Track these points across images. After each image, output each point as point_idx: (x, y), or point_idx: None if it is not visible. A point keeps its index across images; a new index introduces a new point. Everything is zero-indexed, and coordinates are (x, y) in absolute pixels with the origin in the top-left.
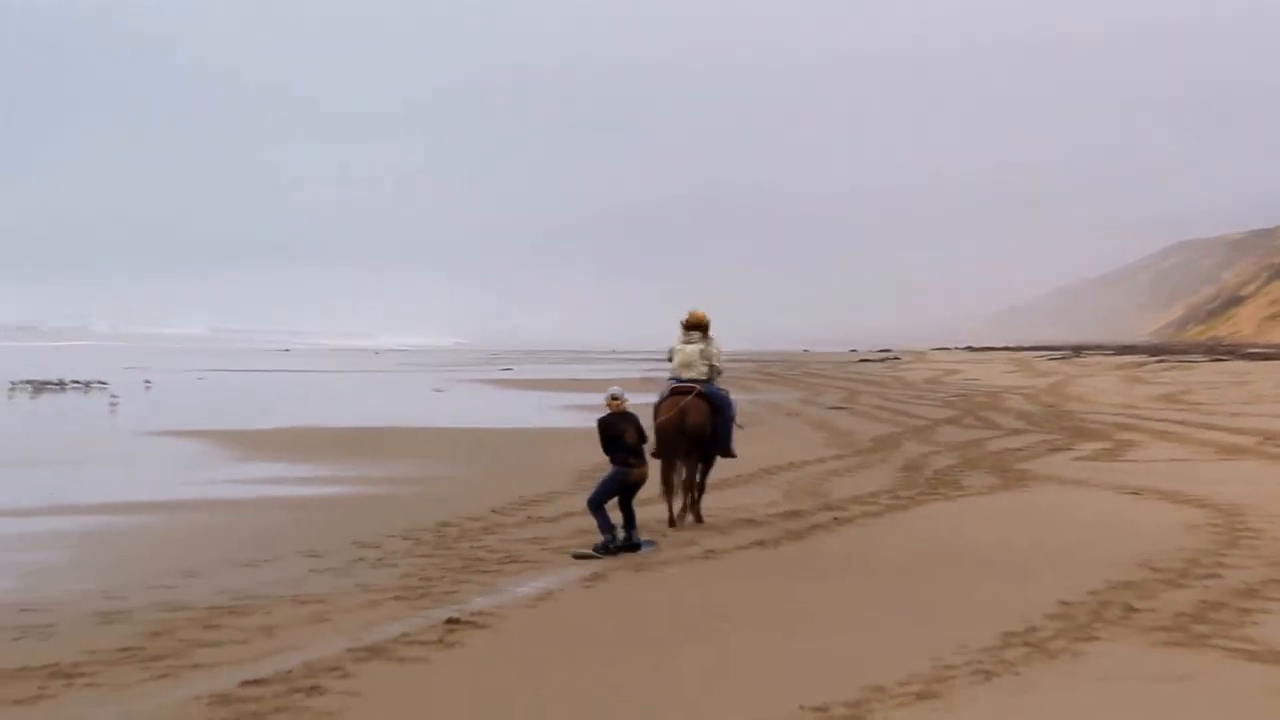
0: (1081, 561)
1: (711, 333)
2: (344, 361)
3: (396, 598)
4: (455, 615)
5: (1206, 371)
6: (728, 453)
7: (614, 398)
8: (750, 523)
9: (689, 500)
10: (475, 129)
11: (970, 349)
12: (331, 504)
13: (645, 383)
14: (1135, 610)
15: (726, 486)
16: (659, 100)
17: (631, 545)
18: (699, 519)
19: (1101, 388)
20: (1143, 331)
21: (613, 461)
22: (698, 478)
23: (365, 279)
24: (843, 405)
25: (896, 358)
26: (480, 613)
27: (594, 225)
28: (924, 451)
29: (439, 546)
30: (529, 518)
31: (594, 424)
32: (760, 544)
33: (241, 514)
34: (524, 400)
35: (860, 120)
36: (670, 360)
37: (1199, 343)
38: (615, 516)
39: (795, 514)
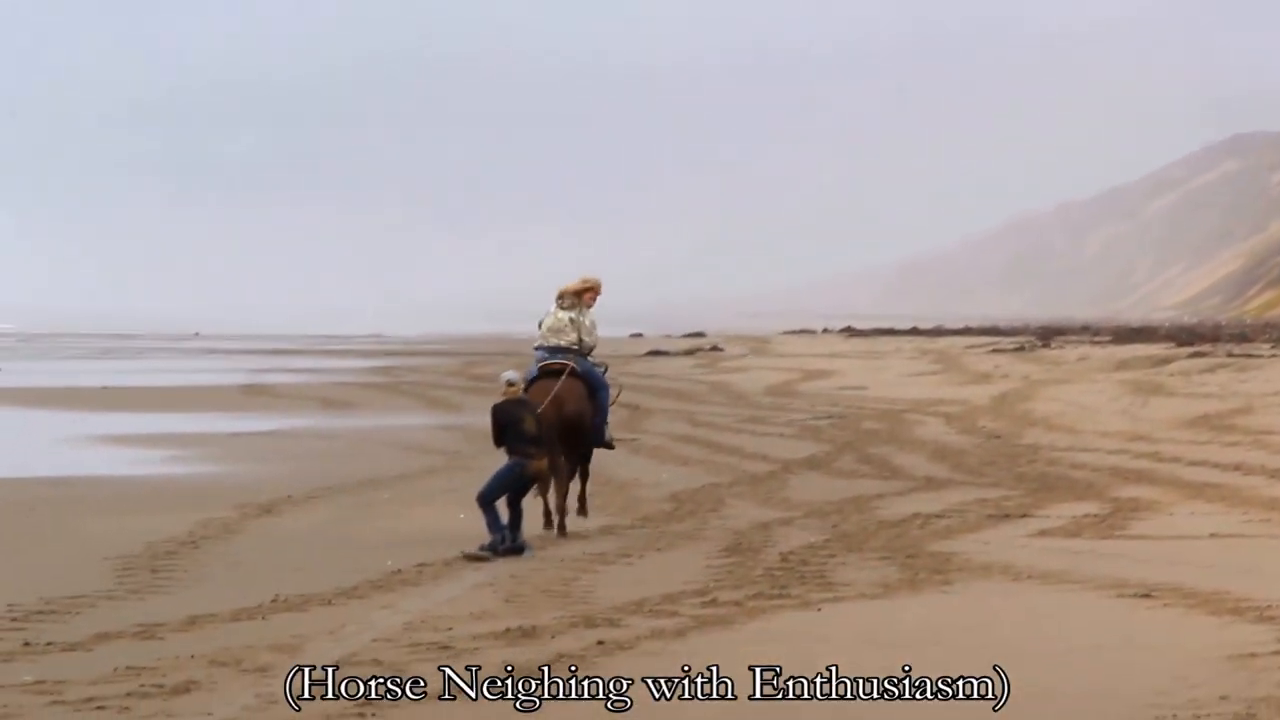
0: None
1: (594, 306)
2: None
3: None
4: None
5: (1279, 374)
6: (604, 443)
7: (509, 384)
8: (445, 650)
9: (569, 496)
10: None
11: (850, 331)
12: None
13: (250, 394)
14: None
15: (406, 584)
16: None
17: (516, 548)
18: (584, 511)
19: (1089, 404)
20: (1165, 301)
21: (509, 453)
22: (577, 467)
23: None
24: (618, 437)
25: (718, 348)
26: None
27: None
28: (765, 519)
29: None
30: (28, 645)
31: (156, 473)
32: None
33: None
34: (21, 426)
35: None
36: (540, 327)
37: (1269, 321)
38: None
39: (527, 634)
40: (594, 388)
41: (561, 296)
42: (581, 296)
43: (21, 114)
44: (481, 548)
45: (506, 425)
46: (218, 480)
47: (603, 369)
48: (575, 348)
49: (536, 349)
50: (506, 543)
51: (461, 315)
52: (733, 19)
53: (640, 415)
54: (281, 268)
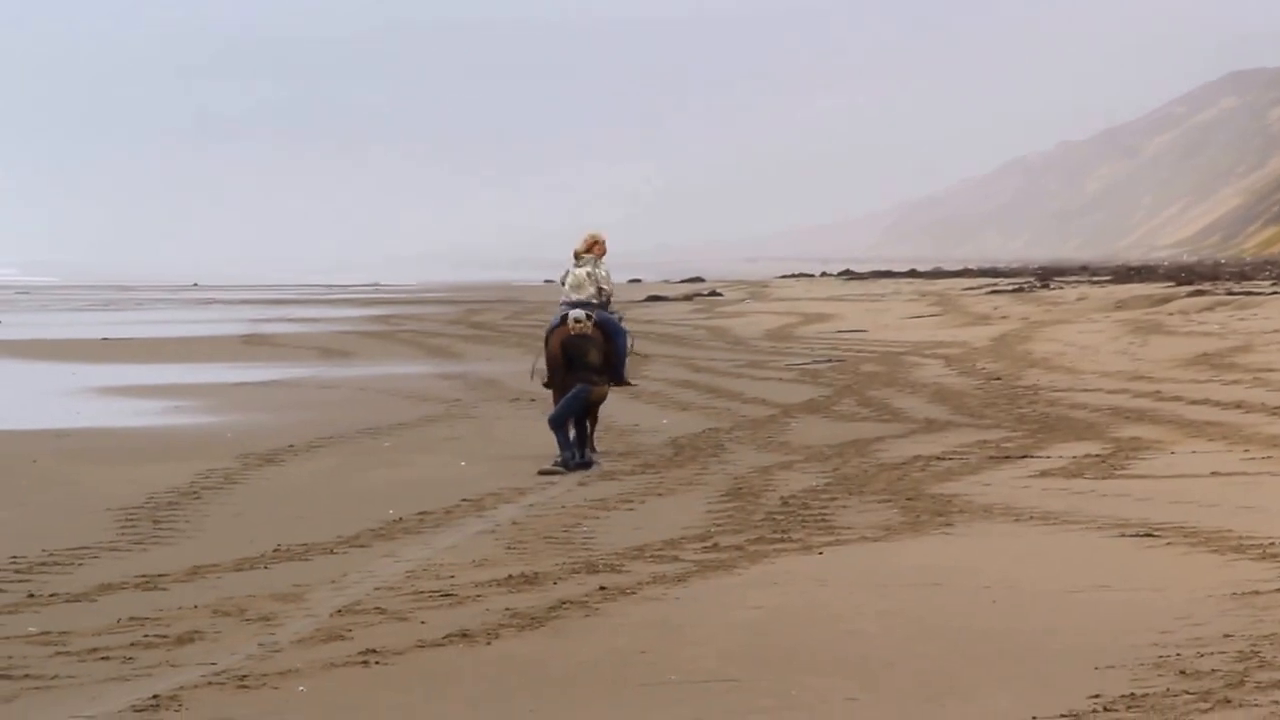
0: (1052, 663)
1: (605, 258)
2: None
3: None
4: None
5: (1279, 311)
6: (622, 382)
7: (576, 320)
8: (447, 598)
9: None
10: None
11: (849, 274)
12: None
13: (250, 344)
14: None
15: (408, 532)
16: None
17: (584, 463)
18: (593, 449)
19: (1089, 344)
20: (1165, 239)
21: (577, 380)
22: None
23: None
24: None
25: (717, 293)
26: None
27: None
28: (765, 463)
29: None
30: (32, 596)
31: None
32: (465, 637)
33: None
34: (22, 379)
35: None
36: (563, 284)
37: (1268, 258)
38: None
39: (529, 581)
40: (609, 334)
41: (577, 255)
42: (592, 250)
43: (21, 68)
44: (555, 463)
45: (574, 357)
46: (219, 430)
47: (618, 316)
48: (596, 300)
49: (562, 303)
50: (576, 459)
51: (459, 263)
52: None
53: (639, 361)
54: (281, 219)
